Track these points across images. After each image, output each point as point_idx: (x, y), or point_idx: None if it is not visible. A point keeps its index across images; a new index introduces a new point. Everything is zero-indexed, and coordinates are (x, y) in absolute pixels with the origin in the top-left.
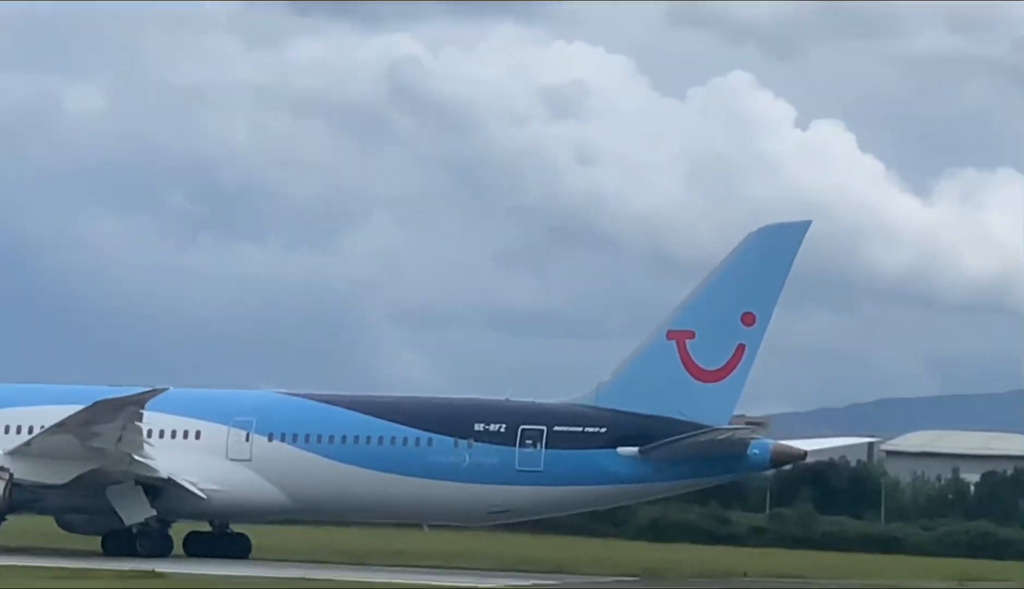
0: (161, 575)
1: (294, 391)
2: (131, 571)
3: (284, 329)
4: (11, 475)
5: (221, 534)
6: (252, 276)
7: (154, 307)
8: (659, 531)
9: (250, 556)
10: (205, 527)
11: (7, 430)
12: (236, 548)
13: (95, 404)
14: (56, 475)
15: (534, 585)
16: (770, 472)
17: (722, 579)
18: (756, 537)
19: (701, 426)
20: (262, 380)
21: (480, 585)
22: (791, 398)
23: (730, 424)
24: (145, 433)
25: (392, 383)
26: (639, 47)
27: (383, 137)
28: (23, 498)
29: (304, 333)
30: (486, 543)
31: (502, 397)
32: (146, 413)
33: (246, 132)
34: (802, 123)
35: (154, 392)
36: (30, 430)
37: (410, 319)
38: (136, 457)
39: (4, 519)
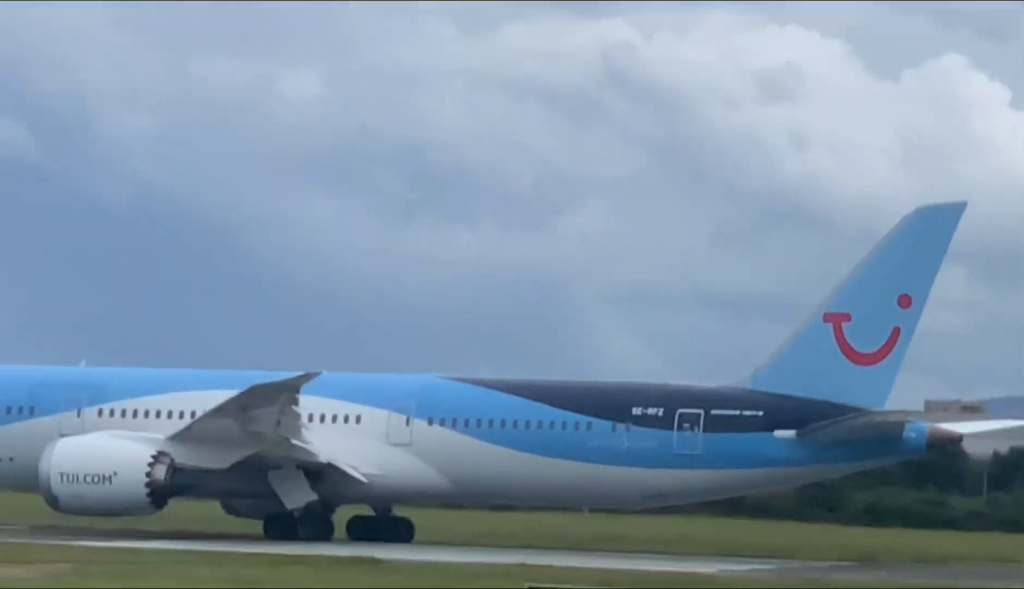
0: (379, 561)
1: (456, 375)
2: (350, 557)
3: (497, 312)
4: (172, 459)
5: (384, 518)
6: (465, 259)
7: (367, 290)
8: (875, 516)
9: (413, 540)
10: (368, 511)
11: (169, 415)
12: (399, 532)
13: (251, 388)
14: (217, 459)
15: (752, 570)
16: (987, 457)
17: (940, 564)
18: (973, 521)
19: (857, 409)
20: (476, 364)
21: (700, 571)
22: (1007, 382)
23: (940, 408)
24: (306, 417)
25: (606, 366)
26: (853, 30)
27: (597, 121)
28: (184, 482)
29: (517, 316)
30: (699, 528)
31: (660, 382)
32: (307, 398)
33: (460, 116)
34: (1017, 104)
35: (308, 376)
36: (192, 415)
37: (624, 302)
38: (295, 441)
39: (166, 503)
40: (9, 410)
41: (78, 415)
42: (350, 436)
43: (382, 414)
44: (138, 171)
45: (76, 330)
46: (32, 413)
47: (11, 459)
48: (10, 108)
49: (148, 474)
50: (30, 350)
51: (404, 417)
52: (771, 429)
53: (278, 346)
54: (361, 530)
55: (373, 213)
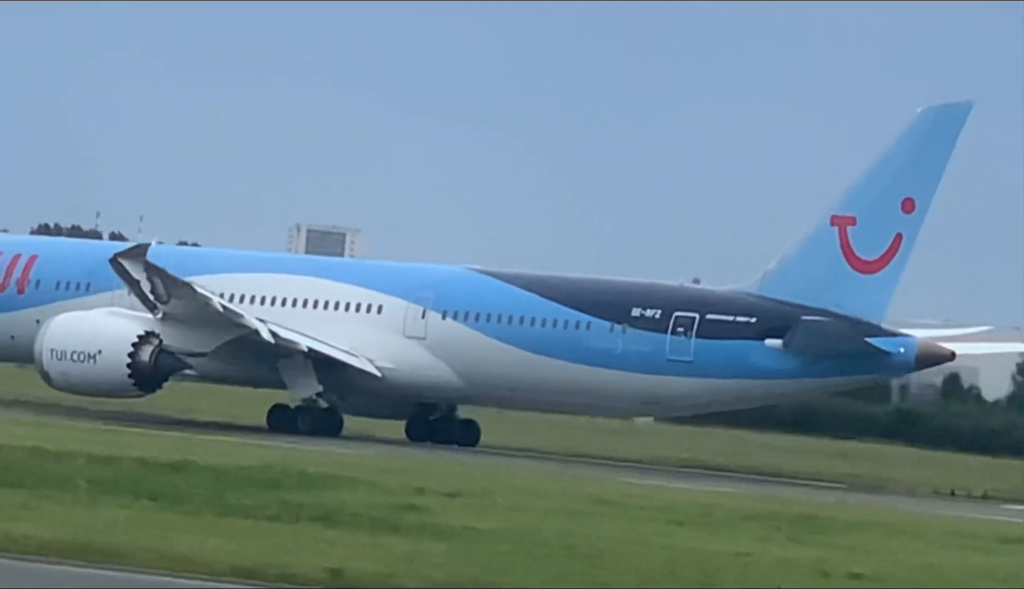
0: None
1: (488, 268)
2: None
3: None
4: (161, 341)
5: (448, 419)
6: None
7: None
8: None
9: (479, 443)
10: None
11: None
12: (464, 435)
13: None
14: (200, 343)
15: None
16: None
17: None
18: None
19: (855, 320)
20: None
21: None
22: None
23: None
24: (334, 306)
25: None
26: None
27: None
28: (173, 365)
29: None
30: None
31: (678, 282)
32: (333, 284)
33: None
34: None
35: (142, 246)
36: (224, 297)
37: None
38: (243, 322)
39: (159, 387)
40: (68, 286)
41: (128, 293)
42: (369, 327)
43: (402, 305)
44: None
45: None
46: (88, 290)
47: None
48: None
49: (131, 355)
50: None
51: (421, 310)
52: (763, 337)
53: None
54: (422, 431)
55: None
